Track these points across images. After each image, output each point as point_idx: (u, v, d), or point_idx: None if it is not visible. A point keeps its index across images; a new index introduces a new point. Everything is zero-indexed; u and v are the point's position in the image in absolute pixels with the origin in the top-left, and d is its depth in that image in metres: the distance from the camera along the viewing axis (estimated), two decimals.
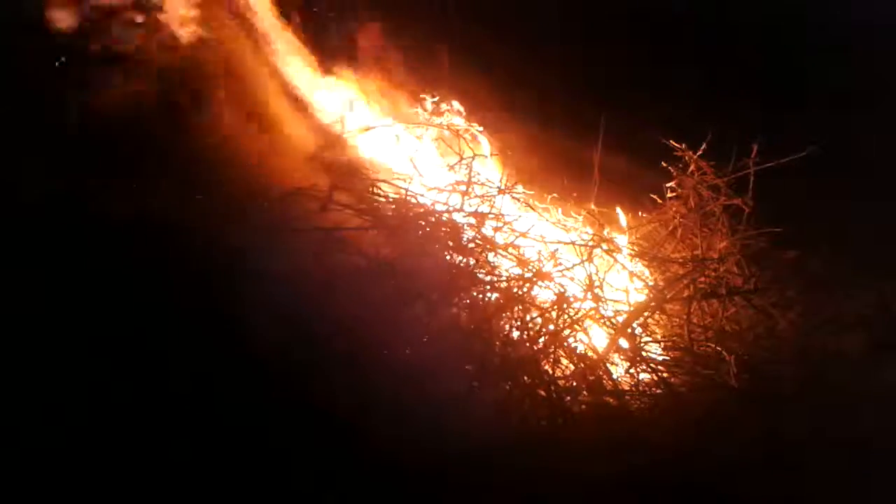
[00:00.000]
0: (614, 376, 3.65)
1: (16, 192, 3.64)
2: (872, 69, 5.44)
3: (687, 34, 5.72)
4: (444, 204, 4.07)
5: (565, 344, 3.65)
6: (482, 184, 4.27)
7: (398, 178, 4.15)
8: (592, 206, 4.42)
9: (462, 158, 4.38)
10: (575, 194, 4.55)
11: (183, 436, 3.04)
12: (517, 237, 3.99)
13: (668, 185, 4.46)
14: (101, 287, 3.43)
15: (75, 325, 3.32)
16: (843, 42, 5.45)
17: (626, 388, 3.66)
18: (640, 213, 4.59)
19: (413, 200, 4.04)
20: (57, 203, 3.64)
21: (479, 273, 3.84)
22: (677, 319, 3.99)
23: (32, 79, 3.94)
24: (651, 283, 4.15)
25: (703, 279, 4.05)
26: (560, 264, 3.90)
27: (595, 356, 3.65)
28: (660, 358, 3.85)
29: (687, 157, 4.39)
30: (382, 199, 4.00)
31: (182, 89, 3.99)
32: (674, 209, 4.41)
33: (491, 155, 4.59)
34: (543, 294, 3.83)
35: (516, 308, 3.71)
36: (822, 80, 5.50)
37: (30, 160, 3.76)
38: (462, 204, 4.07)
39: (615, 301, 3.90)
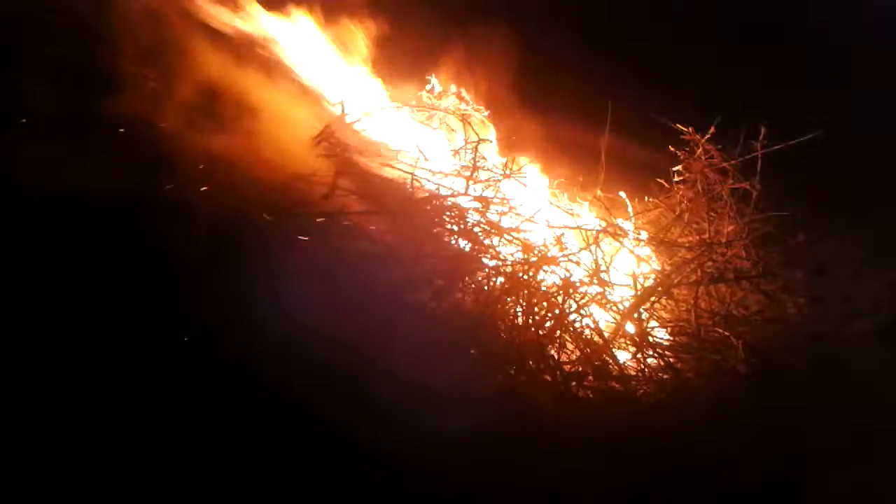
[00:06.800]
0: (620, 361, 3.64)
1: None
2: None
3: (695, 18, 5.69)
4: (450, 188, 4.05)
5: (571, 329, 3.63)
6: (487, 168, 4.24)
7: (403, 162, 4.12)
8: (599, 192, 4.40)
9: (467, 142, 4.35)
10: (581, 179, 4.53)
11: (179, 432, 3.02)
12: (523, 222, 3.96)
13: (676, 169, 4.43)
14: (98, 276, 3.41)
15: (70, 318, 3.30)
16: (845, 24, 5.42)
17: (633, 373, 3.65)
18: (647, 198, 4.56)
19: (418, 184, 4.02)
20: (54, 192, 3.61)
21: (485, 258, 3.82)
22: (684, 304, 3.96)
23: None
24: (658, 268, 4.12)
25: (710, 263, 4.02)
26: (566, 249, 3.87)
27: (601, 341, 3.63)
28: (667, 343, 3.83)
29: (694, 141, 4.35)
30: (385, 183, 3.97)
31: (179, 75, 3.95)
32: (681, 193, 4.38)
33: (496, 139, 4.56)
34: (549, 279, 3.81)
35: (522, 293, 3.69)
36: (830, 58, 5.46)
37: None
38: (467, 188, 4.05)
39: (622, 286, 3.88)
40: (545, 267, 3.77)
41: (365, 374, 3.25)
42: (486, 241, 3.87)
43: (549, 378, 3.47)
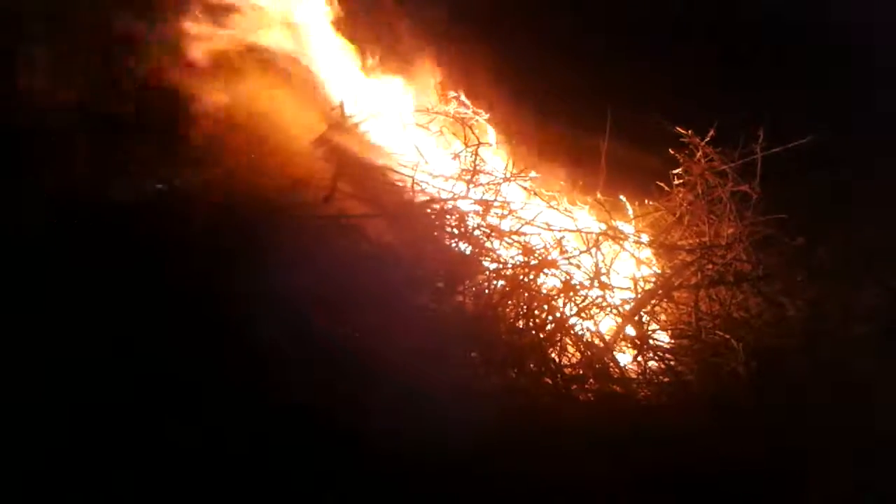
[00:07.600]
0: (621, 364, 3.64)
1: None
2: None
3: (692, 21, 5.69)
4: (450, 192, 4.06)
5: (572, 332, 3.64)
6: (488, 172, 4.25)
7: (403, 166, 4.13)
8: (599, 195, 4.40)
9: (467, 146, 4.36)
10: (581, 182, 4.53)
11: (178, 432, 3.02)
12: (523, 225, 3.97)
13: (676, 172, 4.44)
14: (96, 274, 3.41)
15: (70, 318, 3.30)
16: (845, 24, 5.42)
17: (633, 376, 3.65)
18: (647, 201, 4.56)
19: (419, 188, 4.03)
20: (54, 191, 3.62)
21: (485, 261, 3.83)
22: (685, 307, 3.97)
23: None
24: (658, 271, 4.12)
25: (710, 266, 4.02)
26: (566, 252, 3.88)
27: (602, 344, 3.64)
28: (667, 345, 3.84)
29: (694, 144, 4.36)
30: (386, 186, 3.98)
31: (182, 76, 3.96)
32: (681, 196, 4.39)
33: (496, 143, 4.56)
34: (550, 282, 3.82)
35: (522, 296, 3.70)
36: (830, 58, 5.46)
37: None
38: (467, 192, 4.06)
39: (622, 289, 3.89)
40: (545, 270, 3.78)
41: (366, 375, 3.26)
42: (487, 244, 3.88)
43: (549, 381, 3.48)
